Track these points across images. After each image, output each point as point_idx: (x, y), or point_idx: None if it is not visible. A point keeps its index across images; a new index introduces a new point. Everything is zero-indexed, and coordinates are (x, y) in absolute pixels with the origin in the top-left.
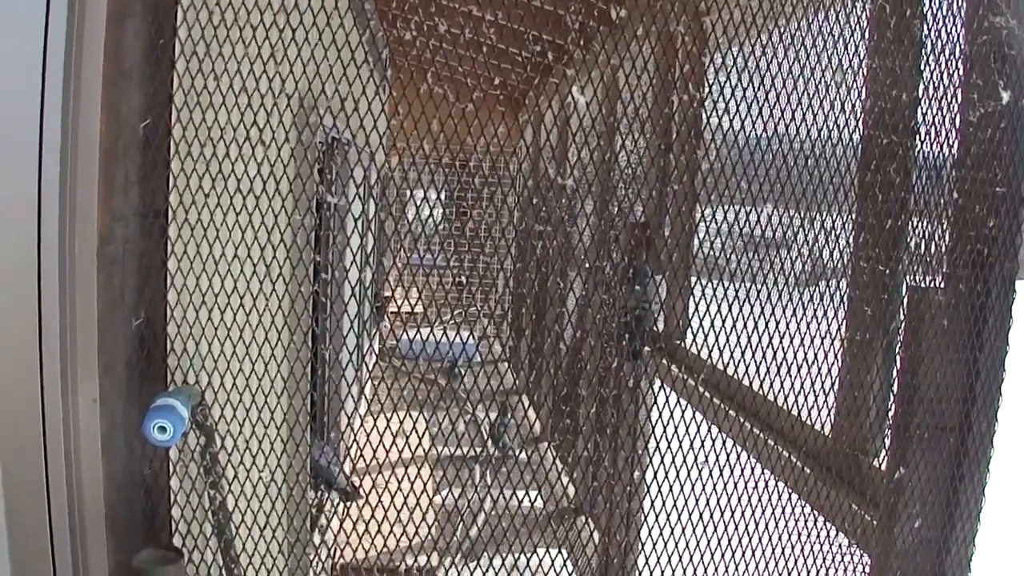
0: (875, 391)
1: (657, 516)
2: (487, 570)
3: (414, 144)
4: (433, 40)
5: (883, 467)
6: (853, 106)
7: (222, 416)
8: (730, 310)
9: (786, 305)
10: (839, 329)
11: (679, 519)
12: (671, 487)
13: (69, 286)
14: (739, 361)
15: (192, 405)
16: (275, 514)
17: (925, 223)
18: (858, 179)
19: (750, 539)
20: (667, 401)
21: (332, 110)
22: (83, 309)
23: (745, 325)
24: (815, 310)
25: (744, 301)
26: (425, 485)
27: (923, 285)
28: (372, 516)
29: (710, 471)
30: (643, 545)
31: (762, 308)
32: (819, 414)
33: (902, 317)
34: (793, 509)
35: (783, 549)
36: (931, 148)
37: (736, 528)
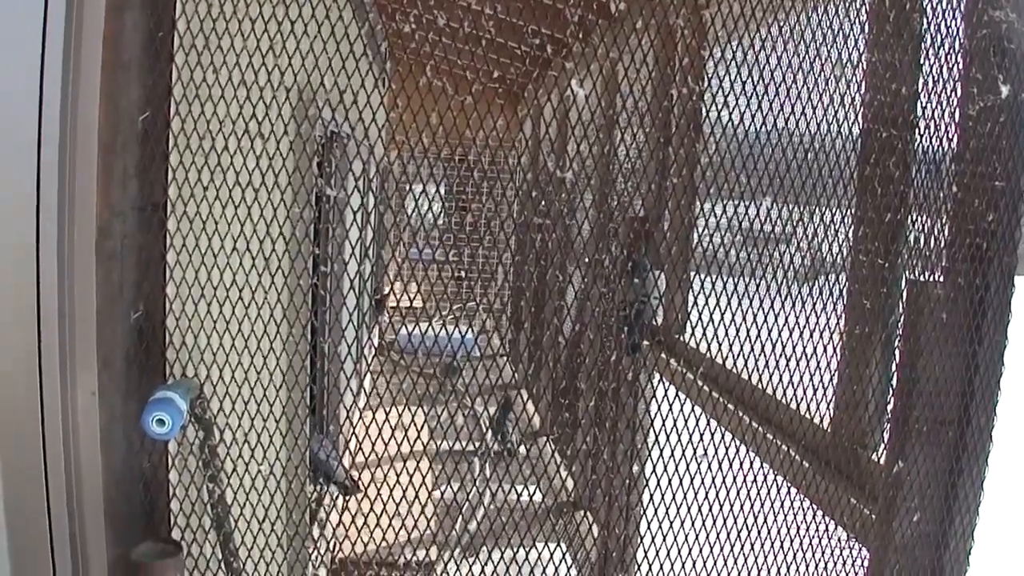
0: (874, 385)
1: (656, 510)
2: (486, 564)
3: (413, 137)
4: (432, 33)
5: (882, 461)
6: (853, 100)
7: (221, 409)
8: (729, 304)
9: (785, 299)
10: (838, 323)
11: (678, 513)
12: (670, 481)
13: (68, 279)
14: (738, 355)
15: (191, 398)
16: (274, 507)
17: (924, 217)
18: (857, 173)
19: (749, 533)
20: (666, 395)
21: (331, 103)
22: (82, 302)
23: (744, 319)
24: (814, 304)
25: (743, 295)
26: (424, 479)
27: (922, 279)
28: (371, 510)
29: (709, 465)
30: (642, 539)
31: (761, 302)
32: (818, 408)
33: (901, 311)
34: (792, 503)
35: (782, 543)
36: (930, 142)
37: (735, 522)
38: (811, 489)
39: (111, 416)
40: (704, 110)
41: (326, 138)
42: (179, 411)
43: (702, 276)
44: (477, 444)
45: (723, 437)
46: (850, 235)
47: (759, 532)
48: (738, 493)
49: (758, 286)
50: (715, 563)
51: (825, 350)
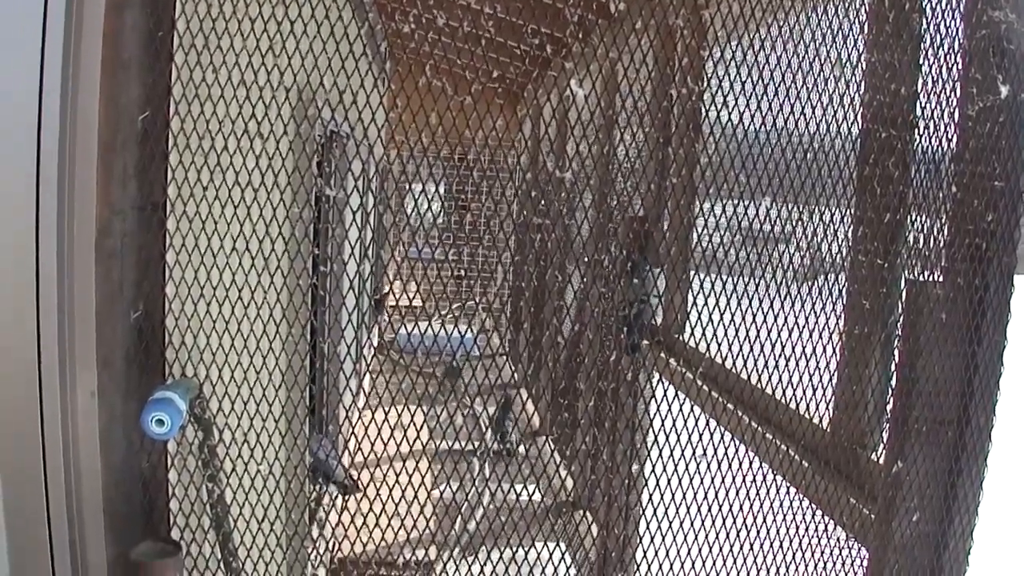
0: (873, 385)
1: (655, 510)
2: (485, 563)
3: (413, 137)
4: (432, 33)
5: (881, 461)
6: (852, 100)
7: (220, 409)
8: (728, 304)
9: (785, 299)
10: (838, 323)
11: (677, 513)
12: (669, 480)
13: (67, 279)
14: (737, 355)
15: (190, 398)
16: (273, 507)
17: (924, 217)
18: (857, 173)
19: (748, 533)
20: (665, 394)
21: (331, 103)
22: (81, 302)
23: (744, 319)
24: (814, 304)
25: (743, 295)
26: (424, 479)
27: (922, 279)
28: (370, 509)
29: (708, 465)
30: (641, 538)
31: (761, 302)
32: (817, 408)
33: (900, 311)
34: (791, 503)
35: (781, 543)
36: (930, 142)
37: (734, 522)
38: (810, 489)
39: (111, 416)
40: (704, 110)
41: (326, 138)
42: (178, 411)
43: (701, 276)
44: (476, 444)
45: (723, 437)
46: (849, 235)
47: (758, 532)
48: (737, 493)
49: (757, 286)
50: (714, 563)
51: (824, 350)
